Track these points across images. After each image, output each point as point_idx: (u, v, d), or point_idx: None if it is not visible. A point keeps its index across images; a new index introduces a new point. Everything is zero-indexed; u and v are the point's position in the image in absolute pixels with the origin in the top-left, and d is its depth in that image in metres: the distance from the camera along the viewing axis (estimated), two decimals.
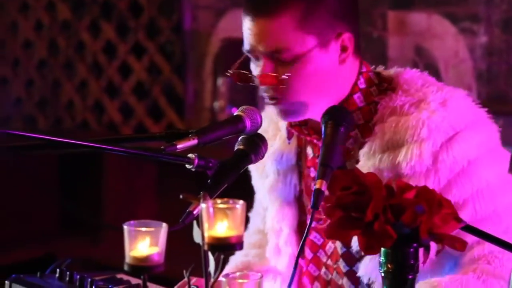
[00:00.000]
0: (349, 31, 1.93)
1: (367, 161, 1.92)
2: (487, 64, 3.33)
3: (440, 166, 1.87)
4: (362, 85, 1.98)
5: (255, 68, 1.95)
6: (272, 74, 1.90)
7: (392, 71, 2.03)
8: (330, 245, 2.04)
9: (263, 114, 2.08)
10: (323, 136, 1.85)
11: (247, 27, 1.92)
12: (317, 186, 1.76)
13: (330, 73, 1.93)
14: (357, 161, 1.95)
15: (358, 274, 1.96)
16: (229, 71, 1.98)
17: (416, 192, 1.56)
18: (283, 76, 1.89)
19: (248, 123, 1.91)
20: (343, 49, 1.94)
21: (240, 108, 1.93)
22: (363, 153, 1.94)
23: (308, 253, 2.08)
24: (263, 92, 1.95)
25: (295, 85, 1.91)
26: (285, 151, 2.07)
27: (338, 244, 2.01)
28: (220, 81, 4.17)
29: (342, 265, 2.02)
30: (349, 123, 1.88)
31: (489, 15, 3.29)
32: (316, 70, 1.91)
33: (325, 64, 1.92)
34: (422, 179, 1.86)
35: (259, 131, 2.03)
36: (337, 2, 1.92)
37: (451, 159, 1.87)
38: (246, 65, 1.98)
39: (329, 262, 2.04)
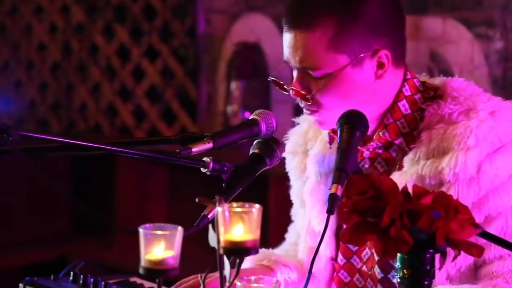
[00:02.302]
0: (387, 46, 1.91)
1: (411, 167, 1.91)
2: (503, 70, 3.31)
3: (482, 176, 1.86)
4: (407, 92, 1.97)
5: (294, 77, 1.97)
6: (301, 91, 1.93)
7: (437, 80, 2.02)
8: (366, 251, 2.03)
9: (302, 116, 2.09)
10: (338, 140, 1.85)
11: (285, 38, 1.94)
12: (332, 190, 1.75)
13: (365, 89, 1.92)
14: (400, 168, 1.94)
15: (394, 280, 1.95)
16: (271, 78, 2.00)
17: (433, 198, 1.56)
18: (312, 93, 1.91)
19: (263, 127, 1.91)
20: (380, 65, 1.92)
21: (255, 112, 1.94)
22: (407, 159, 1.93)
23: (340, 259, 2.06)
24: (299, 102, 1.96)
25: (327, 101, 1.93)
26: (327, 153, 2.07)
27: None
28: (234, 85, 4.16)
29: (377, 271, 2.00)
30: (364, 127, 1.87)
31: (504, 21, 3.28)
32: (349, 87, 1.91)
33: (359, 81, 1.91)
34: (465, 187, 1.85)
35: (299, 133, 2.03)
36: (376, 18, 1.89)
37: (494, 171, 1.86)
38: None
39: (364, 268, 2.03)
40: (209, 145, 1.84)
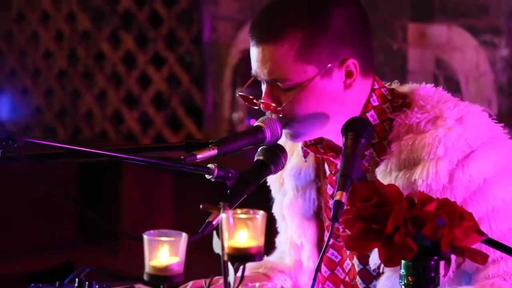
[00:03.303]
0: (354, 56, 1.90)
1: (383, 179, 1.90)
2: (508, 77, 3.31)
3: (455, 184, 1.85)
4: (375, 102, 1.96)
5: (263, 90, 1.96)
6: (271, 103, 1.91)
7: (407, 87, 2.01)
8: (347, 262, 2.03)
9: None
10: (343, 147, 1.85)
11: (252, 52, 1.94)
12: (337, 197, 1.75)
13: (334, 99, 1.91)
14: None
15: None
16: (239, 93, 2.00)
17: (437, 205, 1.56)
18: (283, 105, 1.90)
19: (268, 134, 1.91)
20: (348, 74, 1.91)
21: (260, 119, 1.93)
22: (379, 171, 1.92)
23: (324, 271, 2.06)
24: (268, 115, 1.96)
25: (297, 112, 1.91)
26: (303, 167, 2.07)
27: (355, 261, 2.00)
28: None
29: (359, 282, 2.00)
30: (369, 135, 1.87)
31: (510, 28, 3.28)
32: (318, 97, 1.90)
33: (328, 91, 1.90)
34: (439, 197, 1.84)
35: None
36: (342, 28, 1.89)
37: (467, 177, 1.86)
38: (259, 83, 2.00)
39: (347, 279, 2.03)
40: (213, 152, 1.84)
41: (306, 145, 2.02)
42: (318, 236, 2.07)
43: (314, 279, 1.75)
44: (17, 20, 5.10)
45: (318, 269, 1.77)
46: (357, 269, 2.00)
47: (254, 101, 1.95)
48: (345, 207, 1.72)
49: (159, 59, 4.59)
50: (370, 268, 1.96)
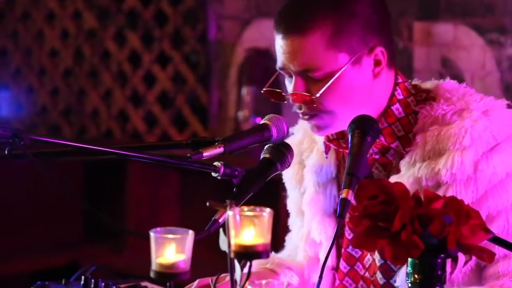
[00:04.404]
0: (382, 44, 1.92)
1: (407, 171, 1.91)
2: None
3: (479, 175, 1.87)
4: (400, 95, 1.97)
5: (289, 85, 1.95)
6: (304, 93, 1.91)
7: (429, 83, 2.02)
8: (368, 258, 2.02)
9: (297, 126, 2.07)
10: (349, 145, 1.85)
11: (279, 45, 1.93)
12: (343, 195, 1.75)
13: (364, 88, 1.93)
14: (398, 172, 1.94)
15: (396, 285, 1.95)
16: (263, 89, 1.99)
17: (444, 202, 1.55)
18: (316, 95, 1.90)
19: (274, 132, 1.91)
20: (377, 63, 1.93)
21: (267, 117, 1.93)
22: (403, 163, 1.93)
23: (344, 266, 2.06)
24: (296, 108, 1.96)
25: (328, 102, 1.92)
26: (324, 163, 2.06)
27: (377, 256, 1.99)
28: (245, 91, 4.17)
29: (379, 277, 2.00)
30: (375, 132, 1.87)
31: None
32: (349, 86, 1.91)
33: (359, 80, 1.92)
34: (462, 188, 1.86)
35: (293, 143, 2.02)
36: (369, 15, 1.91)
37: (491, 169, 1.87)
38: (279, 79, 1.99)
39: (367, 274, 2.03)
40: (220, 150, 1.84)
41: (328, 140, 2.02)
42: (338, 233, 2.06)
43: (320, 276, 1.75)
44: (22, 19, 5.11)
45: (324, 265, 1.77)
46: (378, 263, 2.00)
47: (283, 94, 1.95)
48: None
49: (165, 58, 4.59)
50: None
